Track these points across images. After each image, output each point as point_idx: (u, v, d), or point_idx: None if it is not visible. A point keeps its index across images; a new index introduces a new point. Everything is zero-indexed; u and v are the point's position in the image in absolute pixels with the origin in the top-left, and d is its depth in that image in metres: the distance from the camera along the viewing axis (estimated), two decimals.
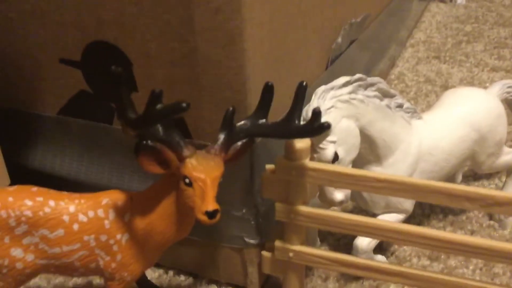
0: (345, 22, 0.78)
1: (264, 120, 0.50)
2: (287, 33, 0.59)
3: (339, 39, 0.76)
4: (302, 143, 0.52)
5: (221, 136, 0.50)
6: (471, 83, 1.13)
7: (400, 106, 0.60)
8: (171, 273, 0.66)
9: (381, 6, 1.02)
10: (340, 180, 0.52)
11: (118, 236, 0.51)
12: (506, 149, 0.69)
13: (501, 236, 0.70)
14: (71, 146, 0.62)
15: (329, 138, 0.53)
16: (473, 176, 0.82)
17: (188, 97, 0.53)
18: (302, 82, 0.51)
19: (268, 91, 0.50)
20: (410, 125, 0.61)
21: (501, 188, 0.74)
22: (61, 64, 0.58)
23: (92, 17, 0.53)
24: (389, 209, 0.62)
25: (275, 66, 0.57)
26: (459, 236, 0.51)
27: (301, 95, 0.51)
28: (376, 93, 0.57)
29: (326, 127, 0.50)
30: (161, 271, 0.67)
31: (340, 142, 0.54)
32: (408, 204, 0.62)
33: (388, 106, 0.58)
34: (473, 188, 0.47)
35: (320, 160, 0.54)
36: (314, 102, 0.54)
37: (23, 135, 0.64)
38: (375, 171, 0.59)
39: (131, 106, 0.45)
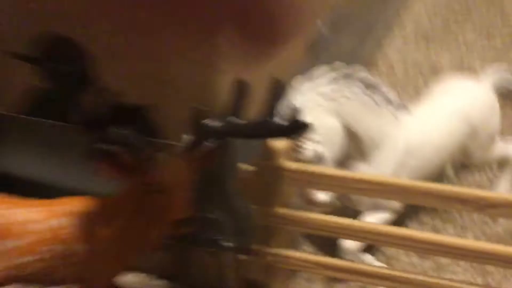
0: (327, 5, 0.73)
1: (237, 119, 0.46)
2: None
3: (320, 23, 0.72)
4: (281, 143, 0.48)
5: (189, 137, 0.46)
6: (460, 66, 1.08)
7: (387, 100, 0.56)
8: (153, 277, 0.64)
9: None
10: (323, 182, 0.48)
11: (83, 245, 0.48)
12: (498, 141, 0.66)
13: (494, 233, 0.67)
14: (31, 146, 0.58)
15: (312, 137, 0.50)
16: (464, 168, 0.79)
17: (155, 94, 0.49)
18: (276, 78, 0.47)
19: (241, 89, 0.46)
20: (398, 120, 0.57)
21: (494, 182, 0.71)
22: (16, 59, 0.53)
23: (49, 9, 0.48)
24: (376, 208, 0.58)
25: (249, 61, 0.52)
26: (448, 238, 0.48)
27: (277, 92, 0.47)
28: (363, 87, 0.54)
29: (306, 127, 0.46)
30: (143, 275, 0.64)
31: (324, 141, 0.51)
32: (396, 202, 0.59)
33: (375, 101, 0.55)
34: (465, 189, 0.44)
35: (302, 159, 0.50)
36: (295, 98, 0.50)
37: None
38: (361, 168, 0.56)
39: (80, 105, 0.41)
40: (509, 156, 0.68)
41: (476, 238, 0.64)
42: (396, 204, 0.59)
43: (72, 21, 0.48)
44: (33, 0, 0.49)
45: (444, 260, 0.63)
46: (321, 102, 0.50)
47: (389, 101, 0.57)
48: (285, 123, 0.46)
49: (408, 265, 0.63)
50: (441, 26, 1.28)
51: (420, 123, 0.59)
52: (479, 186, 0.72)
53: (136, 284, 0.62)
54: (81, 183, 0.58)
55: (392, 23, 1.28)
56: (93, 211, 0.48)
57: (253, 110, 0.48)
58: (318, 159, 0.51)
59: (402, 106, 0.58)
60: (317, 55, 0.72)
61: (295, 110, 0.46)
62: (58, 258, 0.48)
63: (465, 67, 1.08)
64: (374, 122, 0.54)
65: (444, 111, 0.61)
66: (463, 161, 0.68)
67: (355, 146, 0.54)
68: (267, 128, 0.46)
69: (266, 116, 0.47)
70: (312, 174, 0.48)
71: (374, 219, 0.58)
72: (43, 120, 0.56)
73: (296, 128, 0.47)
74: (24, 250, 0.48)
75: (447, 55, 1.13)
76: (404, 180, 0.47)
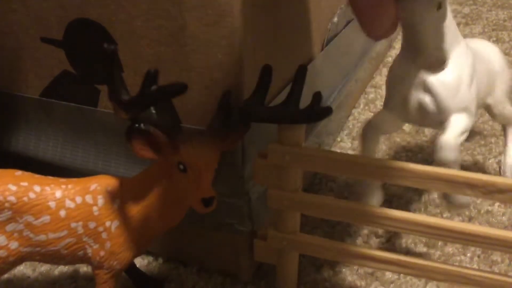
0: (342, 2, 0.75)
1: (262, 104, 0.48)
2: (281, 12, 0.56)
3: (335, 19, 0.74)
4: (296, 127, 0.50)
5: (217, 121, 0.48)
6: None
7: None
8: (160, 260, 0.65)
9: None
10: (334, 166, 0.50)
11: (108, 223, 0.49)
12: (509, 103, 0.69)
13: (499, 222, 0.69)
14: (55, 129, 0.60)
15: None
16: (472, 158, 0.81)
17: (177, 79, 0.51)
18: (302, 65, 0.49)
19: (266, 74, 0.48)
20: None
21: (504, 146, 0.75)
22: (43, 43, 0.55)
23: None
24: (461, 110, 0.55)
25: (269, 46, 0.54)
26: (457, 224, 0.49)
27: (301, 78, 0.49)
28: None
29: (328, 113, 0.48)
30: (150, 258, 0.65)
31: None
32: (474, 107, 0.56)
33: None
34: (475, 175, 0.45)
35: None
36: None
37: (4, 117, 0.62)
38: (447, 62, 0.53)
39: (124, 87, 0.42)
40: None
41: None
42: (473, 108, 0.56)
43: (97, 5, 0.49)
44: None
45: (451, 250, 0.65)
46: None
47: None
48: (307, 108, 0.48)
49: (416, 254, 0.65)
50: None
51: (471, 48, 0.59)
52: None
53: (143, 267, 0.63)
54: (106, 166, 0.59)
55: None
56: (123, 189, 0.49)
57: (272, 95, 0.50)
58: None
59: None
60: (330, 51, 0.74)
61: (317, 96, 0.48)
62: (88, 235, 0.49)
63: None
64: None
65: (479, 47, 0.63)
66: (487, 110, 0.69)
67: (440, 33, 0.52)
68: (289, 113, 0.48)
69: (289, 101, 0.48)
70: (327, 159, 0.50)
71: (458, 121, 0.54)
72: (71, 104, 0.58)
73: (318, 113, 0.48)
74: (45, 227, 0.48)
75: None
76: (415, 165, 0.48)
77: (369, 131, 0.57)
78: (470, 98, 0.55)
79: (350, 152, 0.85)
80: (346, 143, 0.87)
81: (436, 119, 0.55)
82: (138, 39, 0.50)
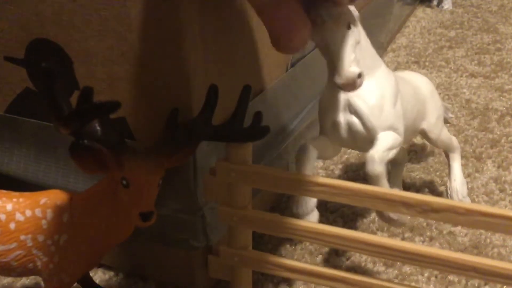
0: None
1: (207, 123, 0.49)
2: (237, 33, 0.58)
3: None
4: (243, 145, 0.51)
5: (164, 138, 0.49)
6: (448, 88, 1.11)
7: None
8: (121, 275, 0.65)
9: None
10: (279, 184, 0.51)
11: (56, 237, 0.51)
12: (445, 129, 0.71)
13: (461, 243, 0.69)
14: (19, 145, 0.61)
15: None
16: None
17: (129, 96, 0.53)
18: (246, 85, 0.50)
19: (212, 93, 0.49)
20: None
21: (448, 171, 0.74)
22: (6, 61, 0.57)
23: (33, 14, 0.52)
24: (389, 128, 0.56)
25: (224, 66, 0.56)
26: (413, 246, 0.48)
27: (245, 98, 0.50)
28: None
29: (267, 132, 0.49)
30: (111, 273, 0.66)
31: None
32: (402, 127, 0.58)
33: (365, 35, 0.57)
34: (410, 194, 0.46)
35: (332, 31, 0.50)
36: None
37: None
38: (369, 83, 0.55)
39: (63, 104, 0.44)
40: (454, 143, 0.73)
41: (443, 248, 0.66)
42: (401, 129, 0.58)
43: (54, 26, 0.51)
44: (21, 9, 0.53)
45: (408, 270, 0.65)
46: None
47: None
48: (248, 128, 0.50)
49: (374, 273, 0.65)
50: (434, 50, 1.31)
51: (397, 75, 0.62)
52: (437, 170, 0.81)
53: (103, 282, 0.64)
54: (65, 181, 0.61)
55: (386, 47, 1.32)
56: (73, 203, 0.51)
57: (221, 114, 0.51)
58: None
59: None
60: (296, 73, 0.75)
61: (258, 115, 0.49)
62: (37, 248, 0.50)
63: (452, 89, 1.11)
64: (370, 44, 0.56)
65: (408, 76, 0.67)
66: (425, 137, 0.69)
67: (361, 55, 0.54)
68: (232, 132, 0.49)
69: (232, 120, 0.50)
70: (271, 177, 0.51)
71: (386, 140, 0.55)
72: (34, 120, 0.59)
73: (257, 133, 0.50)
74: (1, 238, 0.50)
75: (437, 78, 1.16)
76: (353, 183, 0.49)
77: (303, 156, 0.57)
78: (395, 116, 0.56)
79: (321, 171, 0.86)
80: (318, 163, 0.88)
81: (366, 139, 0.56)
82: (92, 59, 0.52)
